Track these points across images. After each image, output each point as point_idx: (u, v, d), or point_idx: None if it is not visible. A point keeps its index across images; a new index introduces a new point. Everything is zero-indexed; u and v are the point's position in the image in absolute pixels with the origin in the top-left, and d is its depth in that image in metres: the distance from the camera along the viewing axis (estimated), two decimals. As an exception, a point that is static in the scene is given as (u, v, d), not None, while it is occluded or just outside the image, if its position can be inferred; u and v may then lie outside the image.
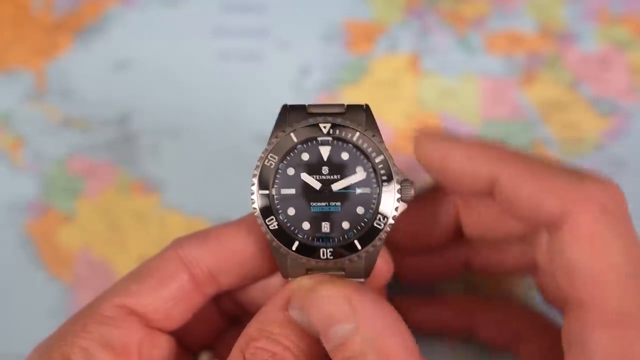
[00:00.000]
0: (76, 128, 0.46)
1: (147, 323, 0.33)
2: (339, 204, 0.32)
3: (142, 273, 0.33)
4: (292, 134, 0.32)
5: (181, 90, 0.46)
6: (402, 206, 0.32)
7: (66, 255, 0.45)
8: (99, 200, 0.45)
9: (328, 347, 0.29)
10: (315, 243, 0.31)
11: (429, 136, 0.34)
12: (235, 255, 0.34)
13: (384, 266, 0.33)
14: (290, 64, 0.45)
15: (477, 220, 0.35)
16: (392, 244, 0.33)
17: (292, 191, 0.32)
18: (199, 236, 0.34)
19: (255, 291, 0.37)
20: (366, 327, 0.28)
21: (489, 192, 0.32)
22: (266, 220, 0.31)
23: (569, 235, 0.29)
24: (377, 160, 0.32)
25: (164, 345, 0.33)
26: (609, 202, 0.29)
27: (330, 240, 0.32)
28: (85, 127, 0.46)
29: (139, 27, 0.46)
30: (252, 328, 0.31)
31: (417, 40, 0.45)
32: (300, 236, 0.32)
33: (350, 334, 0.28)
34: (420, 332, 0.40)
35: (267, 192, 0.32)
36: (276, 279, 0.36)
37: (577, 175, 0.30)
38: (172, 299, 0.33)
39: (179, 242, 0.34)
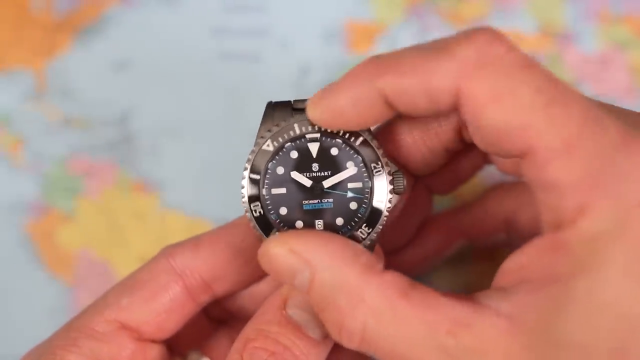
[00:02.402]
0: (76, 128, 0.46)
1: (139, 336, 0.33)
2: (331, 200, 0.31)
3: (133, 285, 0.33)
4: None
5: (181, 91, 0.46)
6: (395, 198, 0.32)
7: (66, 255, 0.45)
8: (99, 200, 0.45)
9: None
10: None
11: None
12: (230, 262, 0.33)
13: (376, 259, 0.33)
14: (290, 64, 0.45)
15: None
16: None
17: (283, 190, 0.31)
18: (191, 244, 0.34)
19: (242, 296, 0.36)
20: (319, 268, 0.28)
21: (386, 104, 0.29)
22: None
23: (472, 108, 0.27)
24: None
25: (155, 354, 0.33)
26: (485, 53, 0.27)
27: None
28: (85, 127, 0.46)
29: (138, 27, 0.46)
30: (249, 329, 0.31)
31: (417, 40, 0.45)
32: None
33: (309, 281, 0.28)
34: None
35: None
36: (263, 283, 0.36)
37: (445, 46, 0.27)
38: (165, 311, 0.33)
39: (169, 252, 0.33)
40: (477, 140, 0.29)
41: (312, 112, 0.30)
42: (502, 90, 0.26)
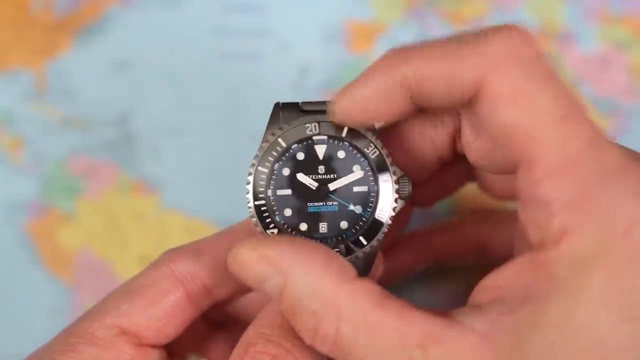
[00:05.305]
0: (76, 128, 0.46)
1: (139, 341, 0.33)
2: (336, 203, 0.31)
3: (134, 290, 0.33)
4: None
5: (181, 91, 0.45)
6: (401, 204, 0.31)
7: (66, 255, 0.45)
8: (99, 200, 0.45)
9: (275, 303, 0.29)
10: None
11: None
12: None
13: (376, 264, 0.33)
14: (290, 64, 0.45)
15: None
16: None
17: (288, 192, 0.31)
18: (192, 250, 0.34)
19: (242, 300, 0.36)
20: (291, 275, 0.28)
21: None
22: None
23: (490, 102, 0.27)
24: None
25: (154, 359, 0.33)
26: (515, 52, 0.27)
27: (328, 240, 0.31)
28: (85, 127, 0.46)
29: (139, 27, 0.46)
30: (250, 333, 0.30)
31: (417, 40, 0.45)
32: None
33: (281, 288, 0.28)
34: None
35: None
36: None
37: (475, 38, 0.27)
38: (166, 317, 0.33)
39: (171, 257, 0.33)
40: (472, 152, 0.29)
41: (335, 109, 0.30)
42: (524, 91, 0.26)
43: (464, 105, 0.29)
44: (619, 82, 0.44)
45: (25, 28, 0.46)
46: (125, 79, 0.46)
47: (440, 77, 0.28)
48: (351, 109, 0.29)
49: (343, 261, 0.28)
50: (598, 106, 0.44)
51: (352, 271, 0.28)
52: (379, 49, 0.45)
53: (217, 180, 0.45)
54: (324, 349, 0.28)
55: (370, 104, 0.29)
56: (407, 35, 0.45)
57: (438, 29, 0.45)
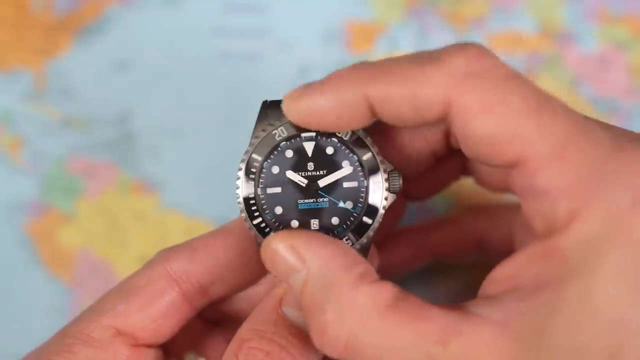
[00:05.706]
0: (76, 128, 0.46)
1: (135, 342, 0.33)
2: (326, 199, 0.31)
3: (129, 291, 0.33)
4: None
5: (181, 91, 0.46)
6: (391, 197, 0.31)
7: (66, 255, 0.45)
8: (99, 200, 0.45)
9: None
10: None
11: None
12: (227, 266, 0.33)
13: (370, 259, 0.33)
14: (290, 64, 0.45)
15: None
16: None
17: (278, 190, 0.31)
18: (187, 249, 0.34)
19: (238, 297, 0.36)
20: (315, 270, 0.28)
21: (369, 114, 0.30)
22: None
23: (462, 118, 0.27)
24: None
25: (150, 359, 0.33)
26: (474, 66, 0.27)
27: None
28: (85, 127, 0.46)
29: (139, 27, 0.46)
30: (244, 329, 0.31)
31: (417, 40, 0.45)
32: None
33: (304, 281, 0.28)
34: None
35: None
36: (260, 285, 0.36)
37: (433, 58, 0.28)
38: (162, 317, 0.33)
39: (165, 257, 0.33)
40: (466, 148, 0.29)
41: (288, 109, 0.30)
42: (493, 99, 0.27)
43: (433, 124, 0.29)
44: (619, 82, 0.44)
45: (25, 28, 0.46)
46: (125, 79, 0.46)
47: (404, 99, 0.28)
48: (305, 114, 0.29)
49: (367, 265, 0.29)
50: (598, 106, 0.44)
51: (373, 275, 0.28)
52: (379, 49, 0.45)
53: (217, 180, 0.45)
54: (334, 352, 0.28)
55: (326, 114, 0.29)
56: (407, 35, 0.45)
57: (438, 29, 0.45)
